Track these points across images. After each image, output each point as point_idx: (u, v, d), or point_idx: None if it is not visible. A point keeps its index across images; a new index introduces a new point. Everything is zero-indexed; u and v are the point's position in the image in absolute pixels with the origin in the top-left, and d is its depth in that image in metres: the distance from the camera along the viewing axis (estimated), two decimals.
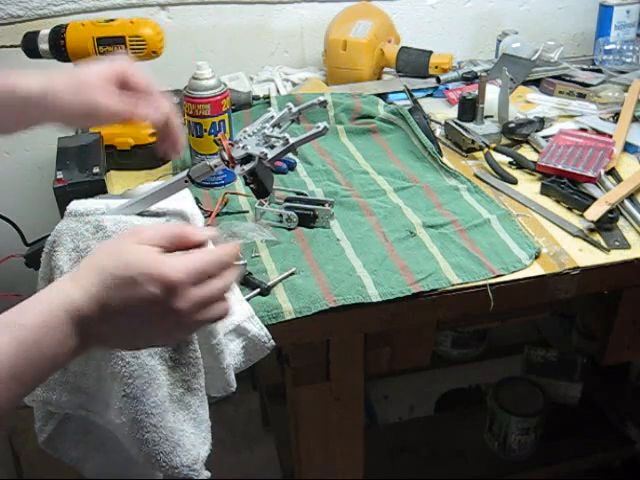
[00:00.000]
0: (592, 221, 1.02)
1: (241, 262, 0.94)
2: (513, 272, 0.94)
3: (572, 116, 1.40)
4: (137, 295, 0.58)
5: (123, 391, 0.72)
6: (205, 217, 1.01)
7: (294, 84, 1.55)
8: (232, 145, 0.73)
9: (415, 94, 1.43)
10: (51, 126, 0.77)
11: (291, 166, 1.22)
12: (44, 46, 1.15)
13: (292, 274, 0.93)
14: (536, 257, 0.97)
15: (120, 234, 0.70)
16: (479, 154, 1.25)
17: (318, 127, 0.73)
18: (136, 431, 0.73)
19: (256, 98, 1.40)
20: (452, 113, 1.39)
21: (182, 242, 0.62)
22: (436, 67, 1.55)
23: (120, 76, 0.74)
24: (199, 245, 0.63)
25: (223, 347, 0.78)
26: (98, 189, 1.05)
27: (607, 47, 1.60)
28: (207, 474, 0.76)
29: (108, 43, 1.12)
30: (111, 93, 0.73)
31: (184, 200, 0.76)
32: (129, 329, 0.61)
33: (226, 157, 0.72)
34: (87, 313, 0.58)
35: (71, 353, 0.59)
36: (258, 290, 0.89)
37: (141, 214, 0.73)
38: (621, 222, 1.06)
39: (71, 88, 0.73)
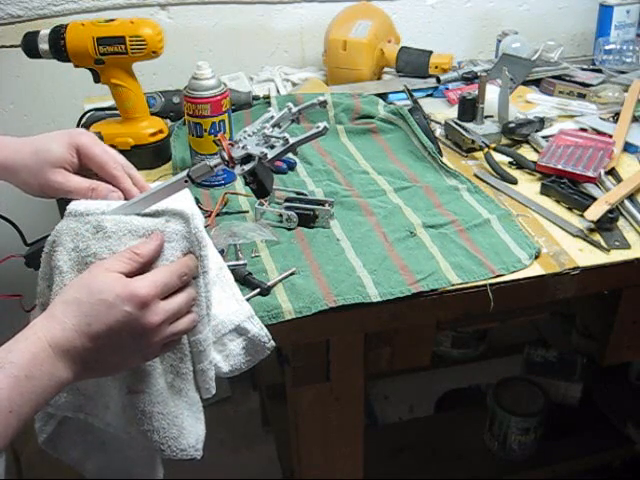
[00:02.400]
0: (592, 221, 1.02)
1: (241, 262, 0.94)
2: (513, 272, 0.94)
3: (572, 116, 1.40)
4: (115, 316, 0.63)
5: (126, 388, 0.73)
6: (205, 217, 1.01)
7: (294, 84, 1.55)
8: (232, 145, 0.73)
9: (415, 94, 1.43)
10: None
11: (291, 166, 1.22)
12: (44, 46, 1.15)
13: (292, 274, 0.93)
14: (536, 257, 0.97)
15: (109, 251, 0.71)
16: (479, 154, 1.25)
17: (318, 127, 0.72)
18: (144, 423, 0.74)
19: (256, 98, 1.40)
20: (452, 113, 1.39)
21: (139, 255, 0.68)
22: (436, 67, 1.55)
23: (79, 150, 0.78)
24: (155, 252, 0.69)
25: (205, 347, 0.78)
26: None
27: (607, 47, 1.61)
28: (202, 453, 0.80)
29: (108, 43, 1.12)
30: (68, 175, 0.77)
31: (184, 200, 0.76)
32: (112, 352, 0.65)
33: (226, 157, 0.71)
34: (69, 345, 0.62)
35: (61, 384, 0.63)
36: (258, 290, 0.89)
37: (141, 214, 0.73)
38: (621, 222, 1.05)
39: (32, 171, 0.77)
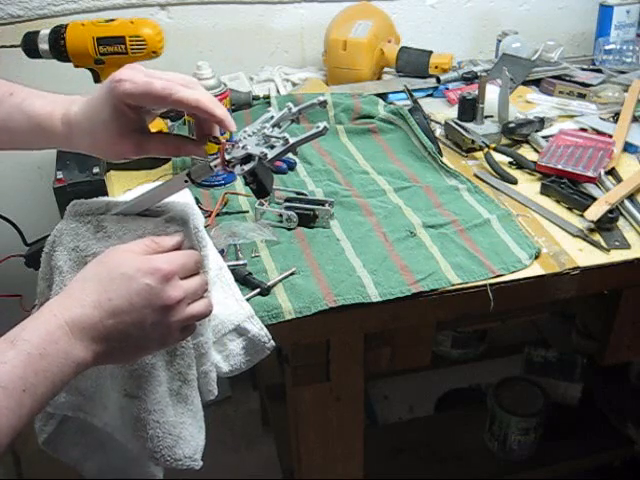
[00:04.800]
0: (592, 221, 1.02)
1: (241, 262, 0.94)
2: (513, 272, 0.94)
3: (572, 116, 1.40)
4: (136, 289, 0.62)
5: (124, 390, 0.73)
6: (205, 217, 1.01)
7: (294, 84, 1.55)
8: (232, 146, 0.73)
9: (415, 94, 1.43)
10: None
11: (291, 166, 1.21)
12: (44, 46, 1.15)
13: (292, 274, 0.93)
14: (536, 257, 0.97)
15: (119, 235, 0.70)
16: (479, 154, 1.25)
17: (318, 127, 0.72)
18: (139, 429, 0.73)
19: (256, 98, 1.40)
20: (452, 113, 1.39)
21: (158, 244, 0.67)
22: (436, 67, 1.55)
23: (127, 104, 0.69)
24: (173, 248, 0.69)
25: (206, 349, 0.78)
26: (98, 189, 1.05)
27: (607, 47, 1.61)
28: (201, 462, 0.79)
29: (108, 43, 1.12)
30: (138, 137, 0.70)
31: (184, 200, 0.76)
32: (133, 329, 0.63)
33: (219, 161, 0.71)
34: (87, 322, 0.61)
35: (78, 365, 0.61)
36: (258, 290, 0.89)
37: (141, 214, 0.73)
38: (621, 222, 1.05)
39: (101, 144, 0.71)
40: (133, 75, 0.67)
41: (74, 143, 0.73)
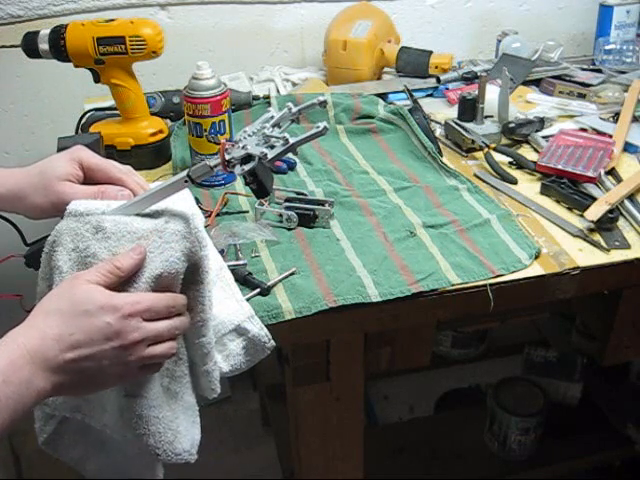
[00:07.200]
0: (592, 221, 1.02)
1: (241, 262, 0.94)
2: (513, 272, 0.94)
3: (572, 116, 1.40)
4: (97, 326, 0.64)
5: (124, 390, 0.73)
6: (205, 217, 1.01)
7: (294, 84, 1.55)
8: (232, 146, 0.73)
9: (415, 94, 1.43)
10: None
11: (291, 166, 1.22)
12: (44, 46, 1.15)
13: (292, 274, 0.93)
14: (536, 257, 0.97)
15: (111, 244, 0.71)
16: (479, 154, 1.25)
17: (318, 127, 0.72)
18: (140, 427, 0.74)
19: (256, 98, 1.40)
20: (452, 113, 1.39)
21: (119, 269, 0.67)
22: (436, 67, 1.55)
23: (82, 163, 0.80)
24: (136, 267, 0.69)
25: (209, 349, 0.78)
26: None
27: (607, 47, 1.61)
28: (196, 456, 0.80)
29: (108, 43, 1.12)
30: (76, 185, 0.79)
31: (184, 200, 0.76)
32: (92, 364, 0.65)
33: (219, 161, 0.71)
34: (48, 354, 0.62)
35: (38, 394, 0.62)
36: (258, 290, 0.89)
37: (141, 214, 0.73)
38: (621, 222, 1.05)
39: (40, 190, 0.79)
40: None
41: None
